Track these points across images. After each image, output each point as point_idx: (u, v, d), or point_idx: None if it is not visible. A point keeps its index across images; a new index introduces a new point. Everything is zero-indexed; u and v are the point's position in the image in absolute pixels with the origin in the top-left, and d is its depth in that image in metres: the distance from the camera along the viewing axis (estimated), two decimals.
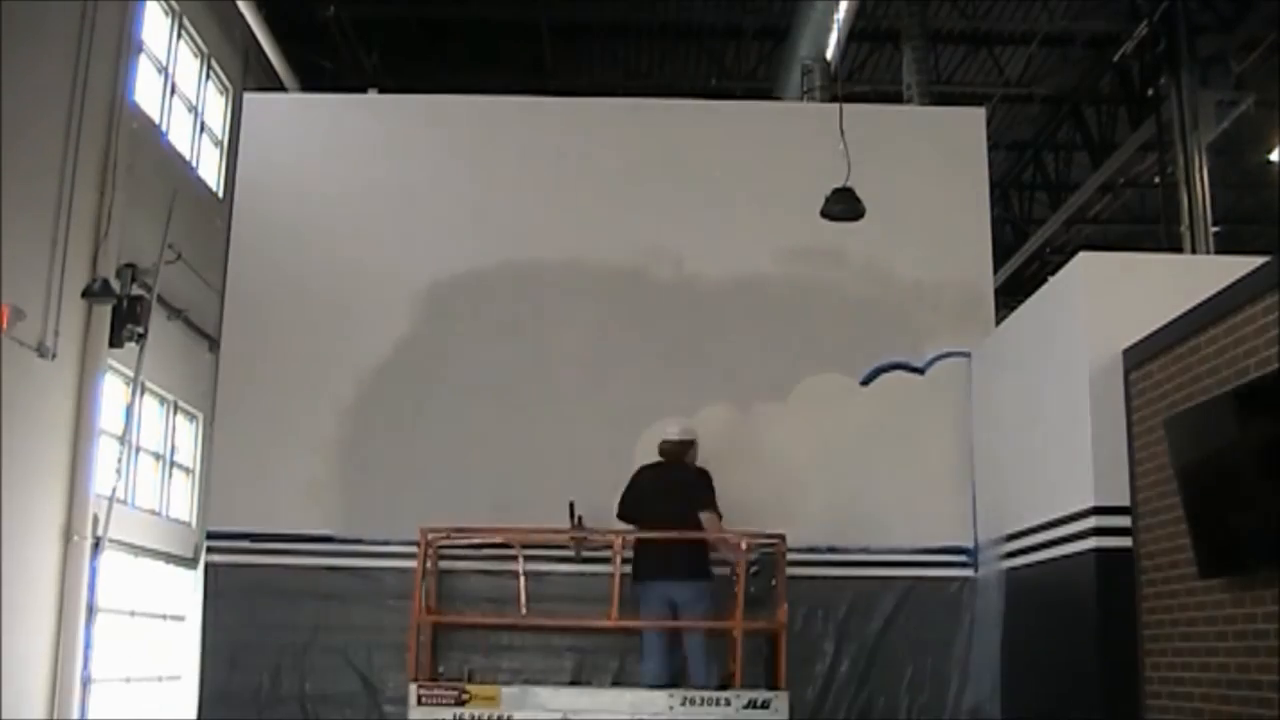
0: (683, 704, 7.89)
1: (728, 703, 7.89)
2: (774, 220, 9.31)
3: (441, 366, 9.13)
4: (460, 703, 7.86)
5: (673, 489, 8.22)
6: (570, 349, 9.14)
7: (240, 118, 10.26)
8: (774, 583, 8.31)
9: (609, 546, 8.21)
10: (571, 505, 8.39)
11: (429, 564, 8.34)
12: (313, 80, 15.19)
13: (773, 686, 8.09)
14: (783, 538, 8.30)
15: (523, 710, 7.90)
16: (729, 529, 8.17)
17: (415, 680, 7.98)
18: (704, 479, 8.28)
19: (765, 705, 7.89)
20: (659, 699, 7.94)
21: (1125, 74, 16.24)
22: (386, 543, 8.70)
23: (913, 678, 8.62)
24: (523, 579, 8.20)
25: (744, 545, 8.09)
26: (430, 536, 8.31)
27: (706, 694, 7.94)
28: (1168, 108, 13.83)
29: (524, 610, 8.22)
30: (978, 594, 8.68)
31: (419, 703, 7.88)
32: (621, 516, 8.36)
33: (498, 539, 8.43)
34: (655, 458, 8.50)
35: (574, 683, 8.46)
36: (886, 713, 8.58)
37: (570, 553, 8.58)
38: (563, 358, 9.13)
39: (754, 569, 8.38)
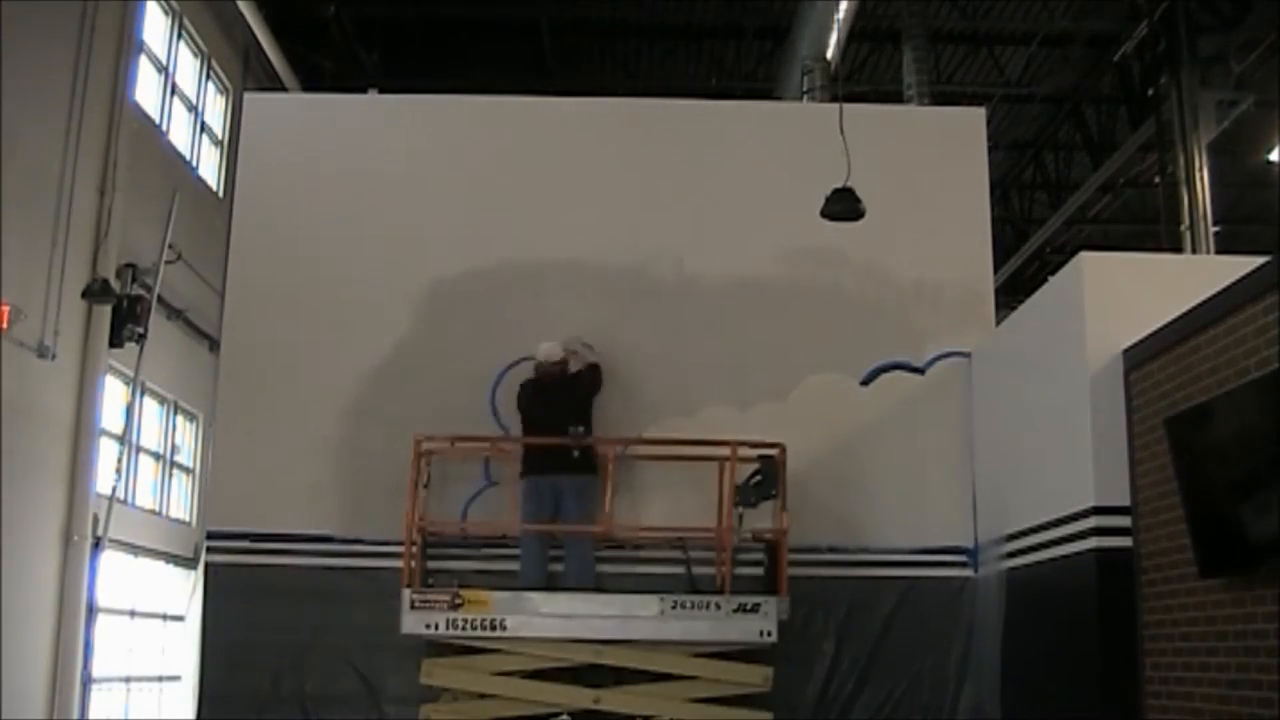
0: (673, 608, 7.95)
1: (718, 606, 7.94)
2: (774, 220, 9.31)
3: (441, 367, 9.13)
4: (454, 607, 7.88)
5: (564, 395, 8.54)
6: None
7: (240, 118, 10.26)
8: (774, 491, 8.29)
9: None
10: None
11: (424, 475, 8.32)
12: (313, 80, 15.20)
13: (771, 592, 8.11)
14: (782, 446, 8.31)
15: (515, 614, 7.94)
16: (725, 439, 8.28)
17: (408, 586, 7.97)
18: (585, 376, 8.64)
19: (754, 609, 7.93)
20: (651, 602, 7.99)
21: (1125, 74, 16.24)
22: (386, 543, 8.68)
23: (913, 678, 8.62)
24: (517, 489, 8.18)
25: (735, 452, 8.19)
26: (425, 446, 8.31)
27: (697, 598, 8.02)
28: (1168, 108, 13.83)
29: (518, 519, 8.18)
30: (978, 594, 8.68)
31: (412, 607, 7.89)
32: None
33: (493, 448, 8.38)
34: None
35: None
36: (887, 713, 8.58)
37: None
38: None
39: (755, 478, 8.39)
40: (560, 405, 8.52)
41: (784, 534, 8.23)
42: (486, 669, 8.11)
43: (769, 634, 7.94)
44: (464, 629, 7.91)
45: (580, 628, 8.01)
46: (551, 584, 8.34)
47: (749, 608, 7.94)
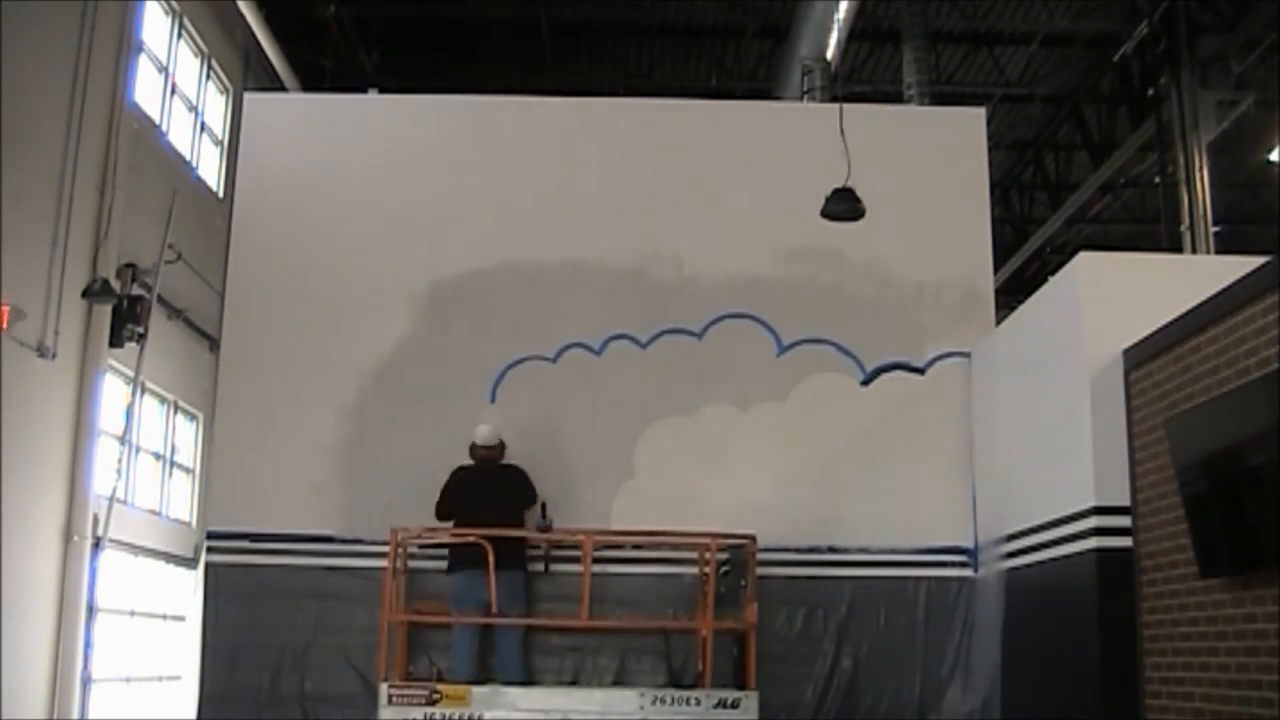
0: (653, 703, 7.92)
1: (698, 702, 7.91)
2: (774, 220, 9.32)
3: (441, 366, 9.13)
4: (431, 702, 7.83)
5: (501, 487, 8.43)
6: (570, 349, 9.13)
7: (240, 118, 10.27)
8: (743, 582, 8.28)
9: (578, 546, 8.26)
10: (543, 506, 8.51)
11: (400, 564, 8.32)
12: (313, 80, 15.18)
13: (742, 686, 8.09)
14: (753, 538, 8.29)
15: (493, 710, 7.87)
16: (700, 531, 8.25)
17: (385, 680, 7.96)
18: (527, 477, 8.50)
19: (735, 705, 7.89)
20: (630, 698, 7.97)
21: (1125, 74, 16.23)
22: (386, 543, 8.69)
23: (912, 677, 8.61)
24: (493, 579, 8.04)
25: (713, 545, 8.18)
26: (401, 537, 8.29)
27: (676, 693, 7.98)
28: (1168, 108, 13.83)
29: (494, 610, 8.10)
30: (978, 594, 8.69)
31: (389, 702, 7.85)
32: (442, 516, 8.41)
33: (469, 539, 8.26)
34: (653, 457, 8.75)
35: (571, 682, 8.44)
36: (886, 713, 8.58)
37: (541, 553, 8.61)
38: (562, 357, 9.12)
39: (724, 569, 8.39)
40: (504, 495, 8.44)
41: (752, 628, 8.17)
42: None
43: None
44: None
45: None
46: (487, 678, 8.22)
47: (730, 703, 7.90)
